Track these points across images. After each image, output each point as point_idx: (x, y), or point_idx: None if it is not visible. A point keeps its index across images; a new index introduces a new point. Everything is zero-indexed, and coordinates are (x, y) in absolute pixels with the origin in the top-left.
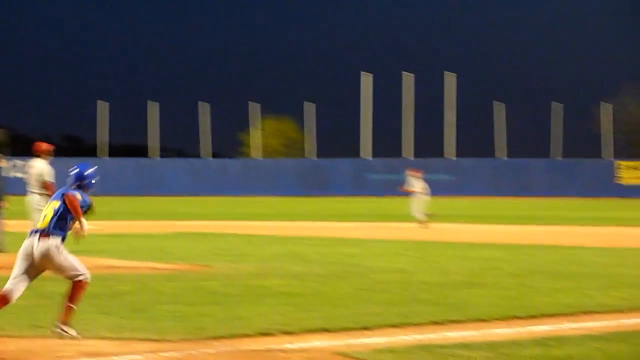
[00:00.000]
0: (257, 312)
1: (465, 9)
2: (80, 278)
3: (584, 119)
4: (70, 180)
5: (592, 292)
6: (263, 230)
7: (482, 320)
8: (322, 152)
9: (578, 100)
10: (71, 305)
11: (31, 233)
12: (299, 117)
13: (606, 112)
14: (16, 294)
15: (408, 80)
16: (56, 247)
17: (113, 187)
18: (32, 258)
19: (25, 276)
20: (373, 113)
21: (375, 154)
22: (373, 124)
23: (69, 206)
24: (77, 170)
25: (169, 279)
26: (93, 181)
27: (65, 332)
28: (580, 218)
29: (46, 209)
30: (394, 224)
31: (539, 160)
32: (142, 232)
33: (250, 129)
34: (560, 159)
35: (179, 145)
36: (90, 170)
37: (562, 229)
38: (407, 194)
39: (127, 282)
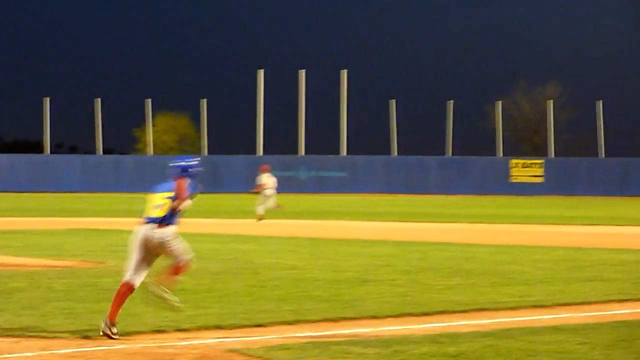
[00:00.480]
0: (150, 309)
1: (361, 7)
2: (186, 259)
3: (477, 117)
4: (175, 171)
5: (484, 289)
6: None
7: (376, 317)
8: (217, 149)
9: (472, 98)
10: (171, 278)
11: (144, 223)
12: (195, 114)
13: (499, 110)
14: (138, 282)
15: (302, 77)
16: (172, 235)
17: (5, 184)
18: (149, 246)
19: (144, 264)
20: (269, 110)
21: (271, 150)
22: (269, 121)
23: (177, 189)
24: (182, 162)
25: (61, 276)
26: (197, 171)
27: (170, 300)
28: (473, 215)
29: (155, 199)
30: (287, 221)
31: (432, 158)
32: (35, 229)
33: (145, 125)
34: (453, 156)
35: (75, 141)
36: (194, 162)
37: (455, 226)
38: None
39: (20, 279)
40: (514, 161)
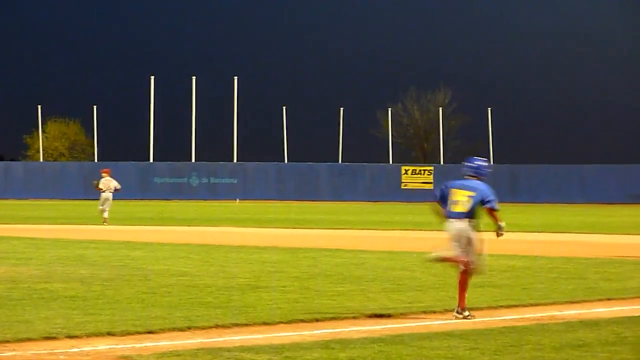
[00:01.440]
0: (41, 315)
1: (253, 14)
2: (476, 261)
3: (368, 124)
4: (468, 171)
5: (375, 295)
6: (47, 234)
7: (267, 324)
8: (108, 156)
9: (363, 105)
10: (464, 291)
11: (454, 217)
12: (86, 121)
13: (390, 118)
14: (470, 258)
15: (194, 84)
16: (474, 229)
17: None
18: (461, 238)
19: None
20: (160, 117)
21: (162, 157)
22: (160, 127)
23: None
24: (475, 162)
25: None
26: (487, 171)
27: (465, 315)
28: (363, 222)
29: (458, 196)
30: (178, 228)
31: (323, 165)
32: None
33: (35, 131)
34: (344, 163)
35: None
36: (485, 163)
37: (345, 232)
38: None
39: None
40: (405, 168)
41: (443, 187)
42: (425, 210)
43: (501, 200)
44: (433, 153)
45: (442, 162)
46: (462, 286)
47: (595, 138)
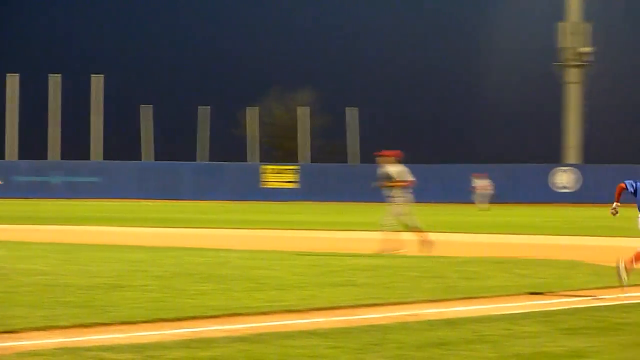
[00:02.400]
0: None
1: (115, 12)
2: None
3: (232, 124)
4: None
5: (237, 294)
6: None
7: (128, 323)
8: None
9: (226, 104)
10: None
11: None
12: None
13: (252, 117)
14: None
15: (55, 81)
16: None
17: None
18: None
19: None
20: (21, 114)
21: (23, 155)
22: (21, 125)
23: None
24: None
25: None
26: None
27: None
28: (226, 221)
29: None
30: (39, 227)
31: (186, 164)
32: None
33: None
34: (206, 162)
35: None
36: None
37: (208, 231)
38: None
39: None
40: (267, 167)
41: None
42: (288, 210)
43: (366, 200)
44: (296, 152)
45: (309, 161)
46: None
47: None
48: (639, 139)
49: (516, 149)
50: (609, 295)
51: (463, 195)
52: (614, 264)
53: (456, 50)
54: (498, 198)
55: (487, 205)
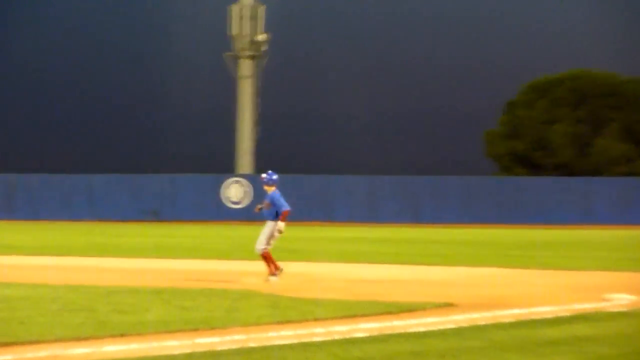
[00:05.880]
0: None
1: None
2: None
3: None
4: None
5: None
6: None
7: None
8: None
9: None
10: None
11: None
12: None
13: None
14: None
15: None
16: None
17: None
18: None
19: None
20: None
21: None
22: None
23: None
24: None
25: None
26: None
27: None
28: None
29: None
30: None
31: None
32: None
33: None
34: None
35: None
36: None
37: None
38: None
39: None
40: None
41: None
42: None
43: None
44: None
45: None
46: None
47: (105, 145)
48: (317, 146)
49: (181, 157)
50: (286, 331)
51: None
52: (292, 294)
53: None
54: (154, 216)
55: None
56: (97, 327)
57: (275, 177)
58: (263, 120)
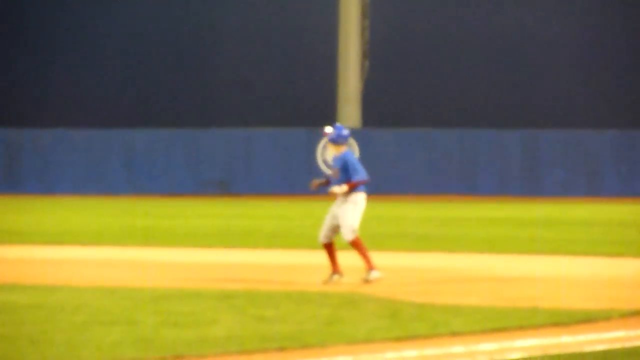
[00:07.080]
0: None
1: None
2: None
3: None
4: None
5: None
6: None
7: None
8: None
9: None
10: None
11: None
12: None
13: None
14: None
15: None
16: None
17: None
18: None
19: None
20: None
21: None
22: None
23: None
24: None
25: None
26: None
27: None
28: None
29: None
30: None
31: None
32: None
33: None
34: None
35: None
36: None
37: None
38: None
39: None
40: None
41: None
42: None
43: None
44: None
45: None
46: None
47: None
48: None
49: (259, 105)
50: (409, 350)
51: None
52: (417, 298)
53: None
54: (222, 188)
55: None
56: (140, 346)
57: (345, 132)
58: (373, 52)
